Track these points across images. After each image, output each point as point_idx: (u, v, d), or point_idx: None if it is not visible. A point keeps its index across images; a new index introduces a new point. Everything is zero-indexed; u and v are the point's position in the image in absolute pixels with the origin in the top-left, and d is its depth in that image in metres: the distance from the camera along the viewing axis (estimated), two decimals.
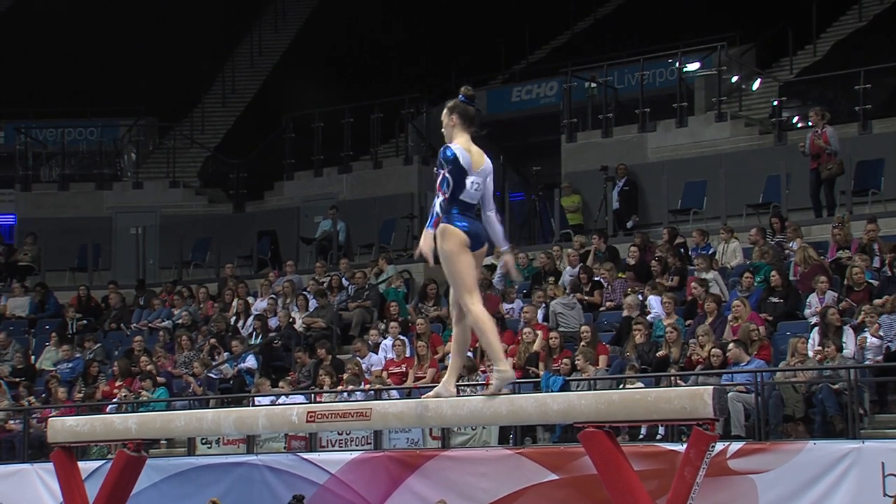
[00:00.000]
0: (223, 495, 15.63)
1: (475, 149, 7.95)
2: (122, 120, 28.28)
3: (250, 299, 20.78)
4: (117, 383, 18.59)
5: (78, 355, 20.35)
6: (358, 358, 17.49)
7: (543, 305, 17.43)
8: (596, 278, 18.02)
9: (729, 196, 19.56)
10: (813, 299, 15.58)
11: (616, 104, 22.87)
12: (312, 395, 16.24)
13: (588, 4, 29.88)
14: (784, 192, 19.31)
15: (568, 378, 15.02)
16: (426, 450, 15.33)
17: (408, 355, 17.26)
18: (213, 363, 18.76)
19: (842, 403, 13.49)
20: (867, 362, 14.05)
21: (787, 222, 17.79)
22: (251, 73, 31.95)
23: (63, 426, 9.30)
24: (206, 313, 20.90)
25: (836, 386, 13.62)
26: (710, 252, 17.77)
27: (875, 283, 15.63)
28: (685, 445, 7.50)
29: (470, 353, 16.45)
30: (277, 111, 26.24)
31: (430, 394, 8.05)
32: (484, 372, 15.88)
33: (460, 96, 7.91)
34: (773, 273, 16.00)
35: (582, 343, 15.76)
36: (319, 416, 8.28)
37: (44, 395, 19.00)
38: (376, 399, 14.70)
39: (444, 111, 7.86)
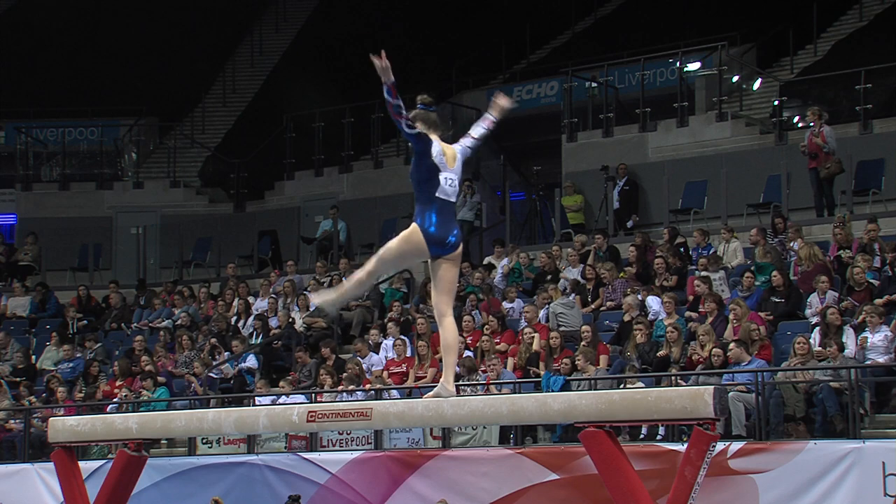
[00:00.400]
0: (224, 495, 15.64)
1: (449, 150, 8.04)
2: (123, 119, 28.26)
3: (251, 299, 20.78)
4: (118, 383, 18.60)
5: (79, 355, 20.36)
6: (358, 358, 17.48)
7: (546, 306, 17.42)
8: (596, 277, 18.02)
9: (729, 196, 19.55)
10: (814, 299, 15.58)
11: (617, 104, 22.85)
12: (313, 395, 16.23)
13: (589, 4, 29.87)
14: (785, 192, 19.30)
15: (568, 378, 15.00)
16: (427, 449, 15.32)
17: (408, 355, 17.24)
18: (214, 363, 18.76)
19: (842, 403, 13.48)
20: (868, 362, 14.06)
21: (789, 222, 17.78)
22: (252, 72, 31.94)
23: (64, 426, 9.32)
24: (206, 313, 20.89)
25: (837, 385, 13.61)
26: (710, 252, 17.76)
27: (876, 282, 15.63)
28: (686, 445, 7.52)
29: (470, 353, 16.49)
30: (278, 111, 26.24)
31: (430, 394, 8.06)
32: (484, 372, 15.90)
33: (419, 104, 8.07)
34: (775, 273, 16.00)
35: (582, 343, 15.75)
36: (320, 416, 8.30)
37: (44, 395, 18.99)
38: (377, 399, 14.69)
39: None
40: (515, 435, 15.09)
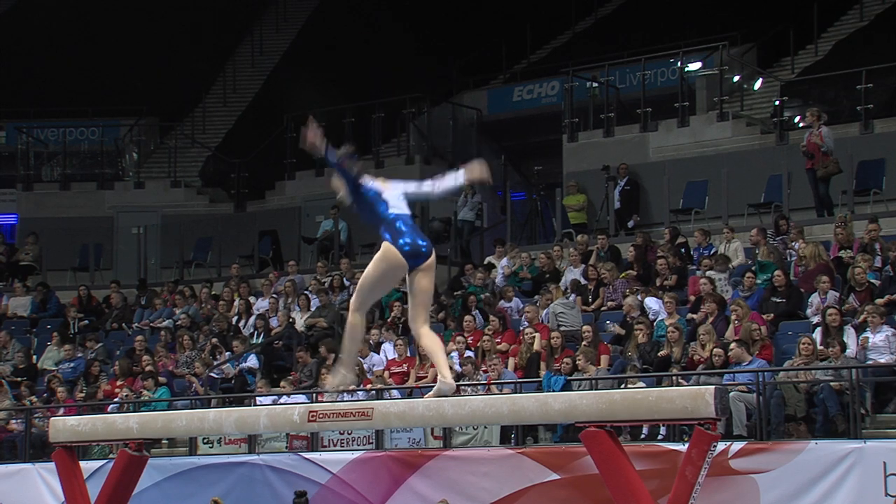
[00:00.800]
0: (225, 495, 15.61)
1: (379, 180, 8.50)
2: (124, 119, 28.24)
3: (252, 299, 20.77)
4: (118, 383, 18.58)
5: (80, 355, 20.35)
6: (359, 358, 17.46)
7: (547, 306, 17.43)
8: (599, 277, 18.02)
9: (730, 196, 19.55)
10: (815, 299, 15.57)
11: (617, 104, 22.85)
12: (314, 395, 16.22)
13: (589, 4, 29.85)
14: (786, 192, 19.30)
15: (569, 378, 14.98)
16: (428, 449, 15.31)
17: (409, 355, 17.23)
18: (215, 363, 18.75)
19: (843, 403, 13.47)
20: (869, 362, 14.05)
21: (792, 223, 17.78)
22: (252, 72, 31.91)
23: (65, 426, 9.32)
24: (207, 313, 20.88)
25: (838, 385, 13.61)
26: (711, 252, 17.76)
27: (877, 282, 15.63)
28: (687, 445, 7.52)
29: (471, 353, 16.49)
30: (279, 110, 26.20)
31: (432, 392, 8.07)
32: (486, 371, 15.89)
33: (347, 155, 8.46)
34: (777, 272, 16.00)
35: (583, 343, 15.73)
36: (321, 416, 8.32)
37: (45, 395, 18.98)
38: (378, 399, 14.69)
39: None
40: (516, 435, 15.07)
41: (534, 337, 16.39)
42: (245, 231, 24.46)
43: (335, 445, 16.03)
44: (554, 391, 13.82)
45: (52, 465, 10.09)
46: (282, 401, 15.82)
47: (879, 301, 14.97)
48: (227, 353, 18.98)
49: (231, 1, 32.07)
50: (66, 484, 9.28)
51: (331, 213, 23.19)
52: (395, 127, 25.41)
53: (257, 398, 16.83)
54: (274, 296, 20.40)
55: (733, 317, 15.38)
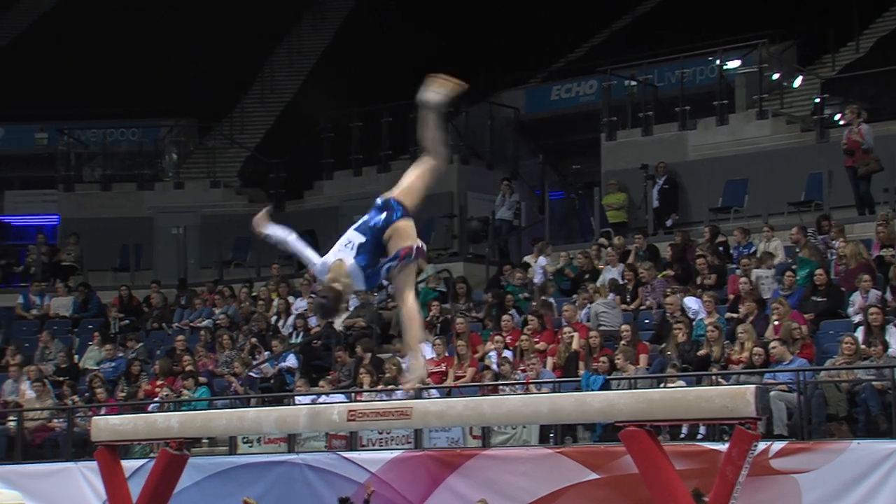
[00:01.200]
0: (264, 494, 15.63)
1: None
2: (163, 120, 28.31)
3: (291, 298, 20.80)
4: (159, 382, 18.65)
5: (120, 354, 20.41)
6: (398, 357, 17.47)
7: (586, 305, 17.37)
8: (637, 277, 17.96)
9: (770, 194, 19.45)
10: (856, 298, 15.46)
11: (656, 102, 22.74)
12: (353, 394, 16.24)
13: (627, 2, 29.72)
14: (826, 190, 19.16)
15: (608, 377, 14.93)
16: (466, 449, 15.28)
17: (447, 354, 17.22)
18: (254, 362, 18.79)
19: (886, 403, 13.36)
20: None
21: (832, 221, 17.67)
22: (290, 72, 31.94)
23: (106, 425, 9.34)
24: (246, 313, 20.92)
25: (880, 385, 13.50)
26: (751, 251, 17.66)
27: None
28: (727, 445, 7.46)
29: (509, 352, 16.46)
30: (316, 111, 26.23)
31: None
32: (524, 371, 15.86)
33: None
34: (819, 271, 15.89)
35: (622, 342, 15.68)
36: (360, 415, 8.28)
37: (87, 395, 19.09)
38: (416, 398, 14.68)
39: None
40: (555, 434, 15.03)
41: (572, 336, 16.34)
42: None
43: (374, 445, 16.02)
44: (592, 390, 13.74)
45: (94, 463, 10.06)
46: (321, 400, 15.84)
47: None
48: (267, 353, 19.01)
49: (269, 1, 32.15)
50: (108, 483, 9.28)
51: None
52: None
53: (296, 398, 16.84)
54: (312, 295, 20.41)
55: (774, 316, 15.28)
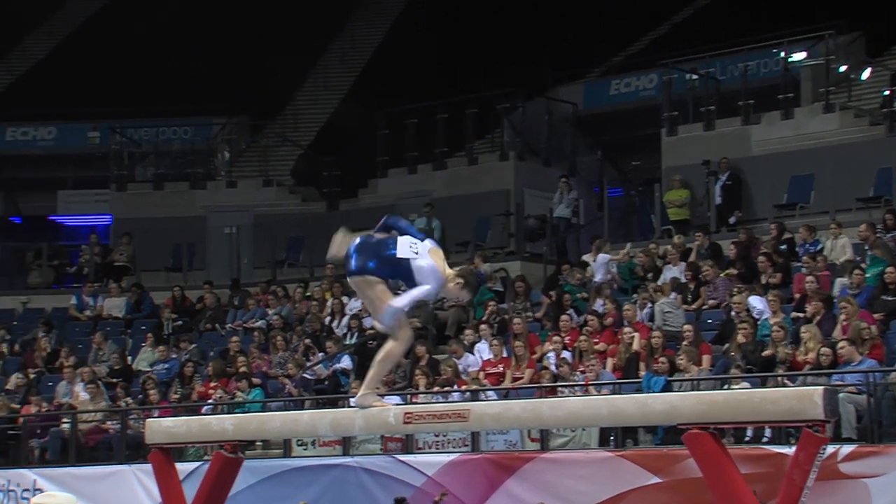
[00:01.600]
0: (318, 497, 15.56)
1: None
2: (215, 118, 28.32)
3: (345, 299, 20.58)
4: (212, 384, 18.54)
5: (174, 356, 20.36)
6: (454, 359, 17.24)
7: (648, 305, 17.05)
8: (699, 276, 17.64)
9: (837, 190, 19.18)
10: None
11: (718, 96, 22.38)
12: (408, 396, 16.00)
13: None
14: None
15: (670, 378, 14.69)
16: (524, 452, 15.13)
17: (505, 355, 16.97)
18: (308, 364, 18.62)
19: None
20: None
21: None
22: (344, 68, 31.89)
23: (160, 427, 9.35)
24: (300, 313, 20.75)
25: None
26: (818, 248, 17.31)
27: None
28: (794, 448, 7.36)
29: (568, 353, 16.17)
30: (371, 107, 26.06)
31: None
32: (583, 372, 15.59)
33: None
34: (890, 268, 15.48)
35: (684, 342, 15.39)
36: (417, 418, 8.28)
37: (140, 397, 19.01)
38: (473, 400, 14.47)
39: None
40: (615, 437, 14.87)
41: (633, 337, 16.06)
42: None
43: (430, 447, 15.89)
44: (654, 392, 13.61)
45: (148, 466, 10.15)
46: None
47: None
48: (321, 354, 18.85)
49: None
50: (162, 485, 9.27)
51: (424, 211, 22.99)
52: (489, 122, 25.13)
53: (351, 400, 16.63)
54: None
55: (842, 315, 14.98)
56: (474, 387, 16.00)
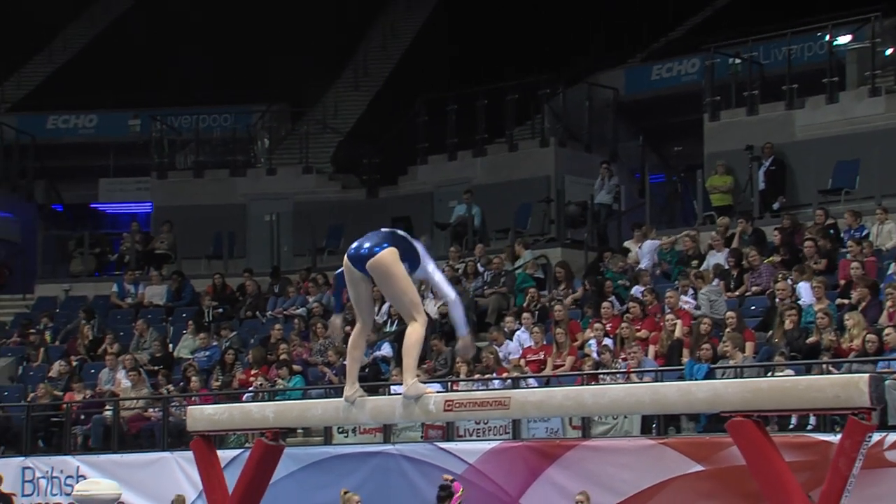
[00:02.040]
0: (360, 485, 15.49)
1: None
2: (255, 106, 28.30)
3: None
4: (253, 371, 18.54)
5: (214, 343, 20.38)
6: (495, 346, 17.16)
7: (690, 291, 16.89)
8: (742, 262, 17.48)
9: (883, 175, 18.88)
10: None
11: (761, 81, 22.12)
12: (449, 384, 15.92)
13: None
14: None
15: (713, 366, 14.56)
16: (566, 440, 15.05)
17: (545, 343, 16.86)
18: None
19: None
20: None
21: None
22: (384, 55, 31.83)
23: (202, 414, 9.33)
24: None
25: None
26: (863, 234, 17.11)
27: None
28: (839, 436, 7.28)
29: (609, 340, 16.06)
30: (410, 94, 25.99)
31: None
32: (625, 360, 15.47)
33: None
34: None
35: (728, 329, 15.23)
36: (457, 405, 8.20)
37: (181, 384, 19.04)
38: (514, 388, 14.39)
39: None
40: (658, 425, 14.73)
41: (675, 324, 15.93)
42: (377, 217, 24.09)
43: (471, 435, 15.82)
44: (697, 379, 13.44)
45: (189, 453, 10.08)
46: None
47: None
48: None
49: None
50: (203, 473, 9.24)
51: (464, 198, 22.92)
52: (529, 108, 25.00)
53: (391, 387, 16.61)
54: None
55: (888, 302, 14.86)
56: (515, 374, 15.91)
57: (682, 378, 14.16)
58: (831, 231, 17.80)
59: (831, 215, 18.18)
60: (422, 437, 16.07)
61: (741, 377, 13.55)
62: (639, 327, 16.44)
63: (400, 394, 8.41)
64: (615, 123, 25.16)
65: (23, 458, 18.34)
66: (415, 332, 8.25)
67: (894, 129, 19.98)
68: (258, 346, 19.33)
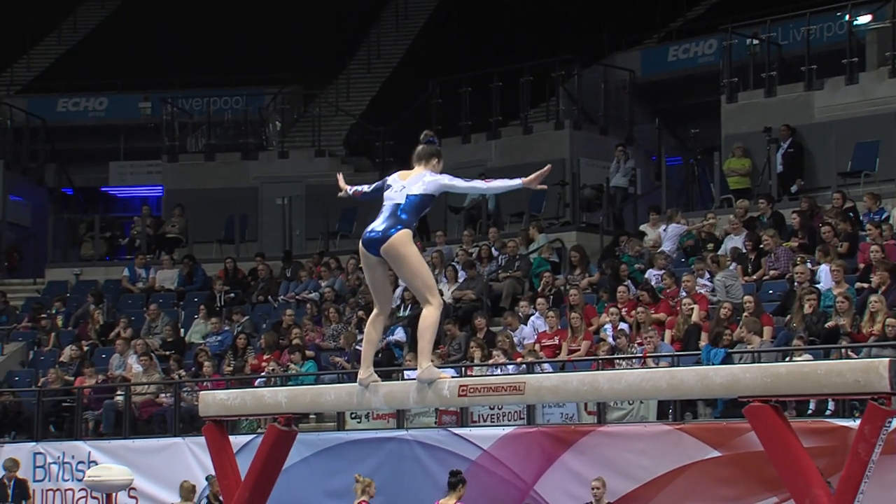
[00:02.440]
0: (374, 471, 15.41)
1: (408, 175, 8.39)
2: (267, 88, 28.17)
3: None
4: (265, 356, 18.42)
5: (226, 328, 20.29)
6: (510, 331, 17.01)
7: (707, 275, 16.71)
8: (760, 246, 17.28)
9: None
10: None
11: (780, 61, 21.90)
12: (463, 369, 15.80)
13: None
14: None
15: (731, 350, 14.45)
16: (581, 425, 14.94)
17: (560, 327, 16.71)
18: (361, 336, 18.42)
19: None
20: None
21: None
22: (397, 36, 31.67)
23: (214, 400, 9.26)
24: (353, 285, 20.56)
25: None
26: (883, 217, 16.89)
27: None
28: (858, 421, 7.25)
29: (625, 325, 15.90)
30: (424, 76, 25.81)
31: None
32: (641, 345, 15.32)
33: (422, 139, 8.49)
34: None
35: (745, 314, 15.07)
36: (472, 391, 8.16)
37: (193, 369, 18.93)
38: (529, 373, 14.24)
39: (438, 159, 8.38)
40: (674, 410, 14.61)
41: (692, 308, 15.74)
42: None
43: (485, 421, 15.71)
44: (714, 364, 13.40)
45: (201, 439, 10.08)
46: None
47: None
48: None
49: None
50: (216, 458, 9.20)
51: None
52: (544, 91, 24.81)
53: (405, 372, 16.47)
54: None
55: None
56: (530, 359, 15.77)
57: (698, 363, 14.06)
58: (850, 214, 17.60)
59: (850, 198, 17.98)
60: (435, 422, 15.97)
61: (758, 362, 13.43)
62: (654, 311, 16.33)
63: (414, 379, 8.26)
64: (631, 105, 25.03)
65: (34, 444, 18.32)
66: (429, 316, 8.12)
67: None
68: (270, 331, 19.23)
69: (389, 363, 17.63)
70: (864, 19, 21.92)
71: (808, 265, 15.98)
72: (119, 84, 30.10)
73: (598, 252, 20.08)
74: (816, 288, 15.35)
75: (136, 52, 30.12)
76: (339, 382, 15.90)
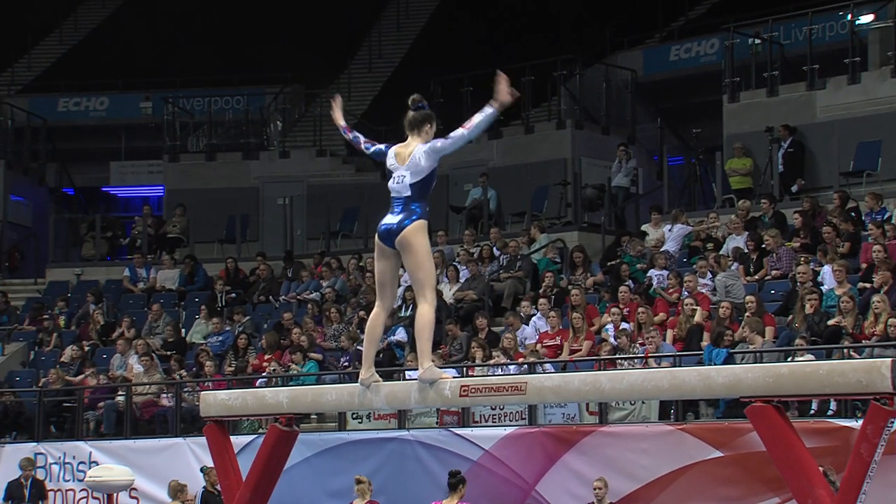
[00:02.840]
0: (375, 471, 15.43)
1: (404, 150, 8.39)
2: (268, 88, 28.17)
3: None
4: (266, 357, 18.40)
5: (227, 328, 20.26)
6: (514, 332, 16.98)
7: (708, 275, 16.72)
8: (762, 246, 17.26)
9: None
10: None
11: (782, 61, 21.89)
12: (464, 369, 15.78)
13: None
14: None
15: (732, 350, 14.43)
16: (583, 425, 14.92)
17: (562, 327, 16.68)
18: (362, 336, 18.39)
19: None
20: None
21: None
22: (398, 36, 31.66)
23: (215, 400, 9.25)
24: (354, 285, 20.54)
25: None
26: (885, 217, 16.85)
27: None
28: (860, 422, 7.42)
29: (627, 325, 15.88)
30: (425, 75, 25.77)
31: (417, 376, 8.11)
32: (643, 345, 15.29)
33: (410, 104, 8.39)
34: None
35: (747, 313, 15.05)
36: (473, 391, 8.14)
37: (194, 369, 18.91)
38: (531, 373, 14.21)
39: (430, 123, 8.38)
40: (676, 410, 14.58)
41: (695, 309, 15.73)
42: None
43: (487, 421, 15.69)
44: (716, 364, 13.37)
45: (202, 439, 10.17)
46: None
47: None
48: None
49: None
50: (217, 458, 9.19)
51: (480, 181, 22.74)
52: (546, 90, 24.78)
53: (406, 372, 16.44)
54: None
55: None
56: (532, 359, 15.75)
57: (700, 363, 14.05)
58: (852, 214, 17.57)
59: (853, 198, 17.94)
60: (437, 422, 15.95)
61: (760, 362, 13.41)
62: (653, 312, 16.30)
63: (415, 379, 8.23)
64: (633, 105, 25.00)
65: (35, 444, 18.30)
66: (425, 315, 8.11)
67: None
68: (271, 331, 19.21)
69: (391, 363, 17.61)
70: (866, 19, 21.91)
71: (812, 266, 15.96)
72: (120, 84, 30.10)
73: (600, 252, 20.07)
74: (818, 288, 15.35)
75: (138, 52, 30.13)
76: (341, 382, 15.93)
